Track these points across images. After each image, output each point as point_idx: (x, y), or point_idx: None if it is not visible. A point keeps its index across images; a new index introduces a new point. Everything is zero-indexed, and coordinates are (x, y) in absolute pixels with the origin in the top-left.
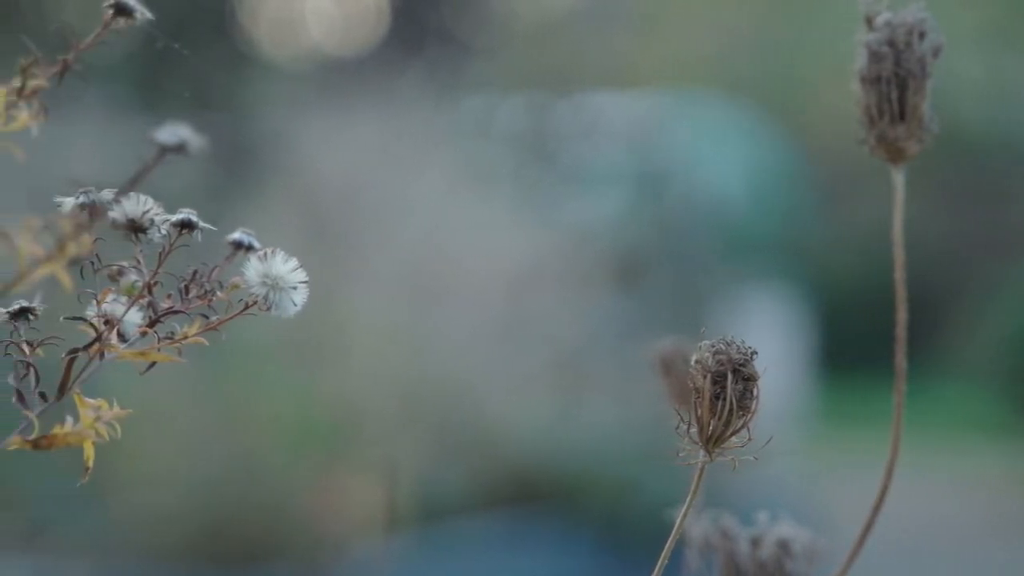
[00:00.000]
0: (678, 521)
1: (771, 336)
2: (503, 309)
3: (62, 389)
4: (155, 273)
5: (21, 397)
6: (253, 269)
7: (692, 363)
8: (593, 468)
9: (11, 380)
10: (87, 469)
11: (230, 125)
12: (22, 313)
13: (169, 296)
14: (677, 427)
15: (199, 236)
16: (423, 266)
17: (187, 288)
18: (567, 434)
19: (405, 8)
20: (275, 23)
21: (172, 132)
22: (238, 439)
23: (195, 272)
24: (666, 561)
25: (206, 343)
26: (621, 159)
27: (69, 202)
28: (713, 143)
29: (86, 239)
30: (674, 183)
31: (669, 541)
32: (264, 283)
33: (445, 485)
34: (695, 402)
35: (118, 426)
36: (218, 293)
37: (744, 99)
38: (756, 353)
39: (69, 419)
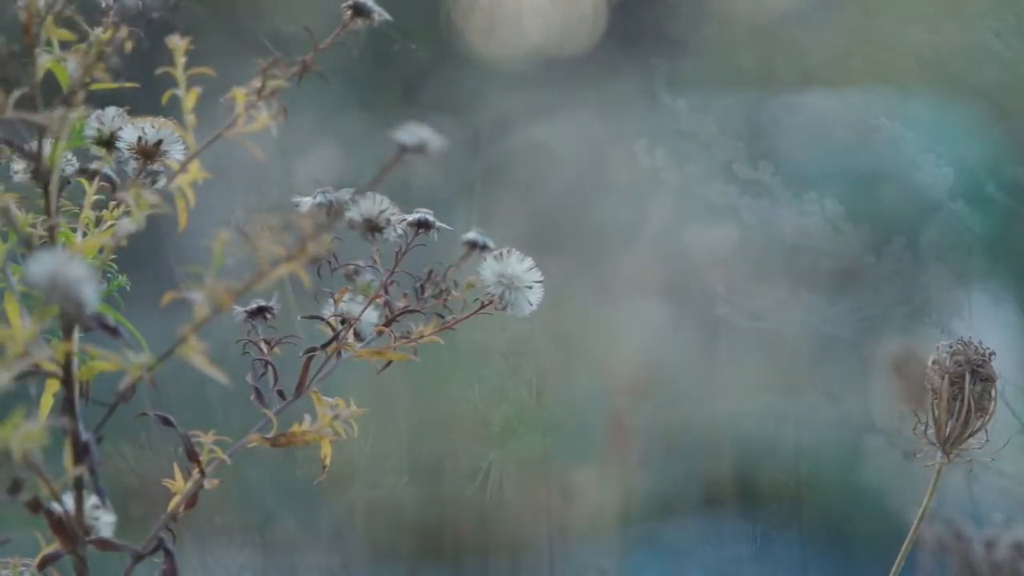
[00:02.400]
0: (916, 522)
1: (993, 337)
2: (722, 309)
3: (300, 387)
4: (392, 272)
5: (260, 395)
6: (489, 268)
7: (929, 364)
8: (815, 469)
9: (250, 378)
10: (325, 467)
11: (446, 125)
12: (260, 312)
13: (404, 295)
14: (914, 428)
15: (435, 236)
16: (641, 266)
17: (423, 287)
18: (788, 435)
19: (621, 6)
20: (491, 22)
21: (413, 132)
22: (460, 437)
23: (431, 271)
24: (902, 563)
25: (442, 342)
26: (838, 158)
27: (307, 201)
28: (933, 142)
29: (325, 238)
30: (892, 182)
31: (906, 542)
32: (500, 282)
33: (664, 485)
34: (932, 403)
35: (355, 424)
36: (453, 292)
37: (964, 97)
38: (994, 354)
39: (307, 417)
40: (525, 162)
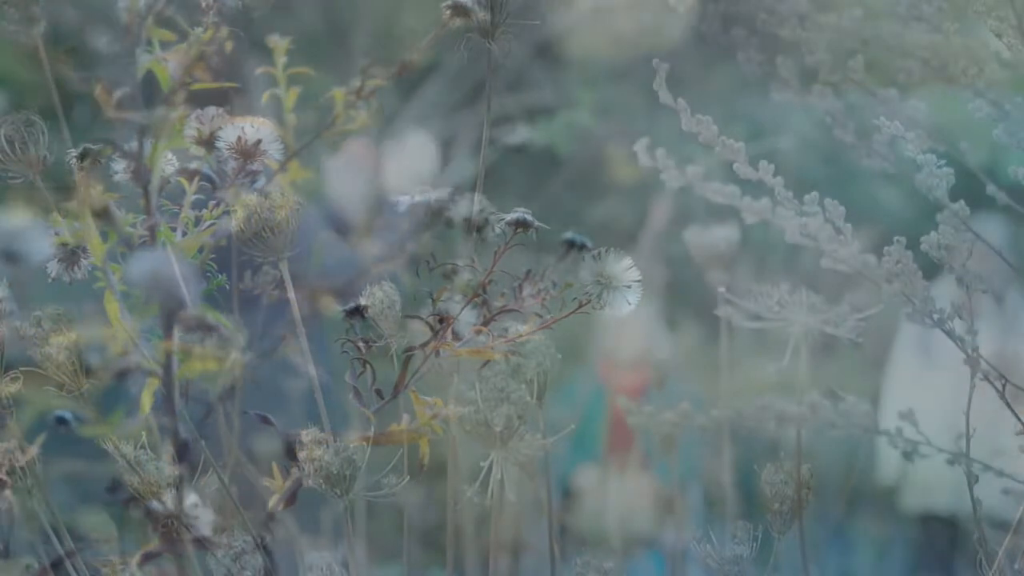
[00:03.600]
0: (1013, 527)
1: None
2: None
3: (398, 387)
4: (490, 272)
5: (358, 394)
6: (587, 268)
7: None
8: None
9: (348, 378)
10: (422, 466)
11: (537, 122)
12: (357, 311)
13: (503, 295)
14: (1017, 432)
15: (534, 235)
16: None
17: (521, 287)
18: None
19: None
20: (583, 18)
21: (514, 132)
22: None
23: (529, 271)
24: (997, 570)
25: (540, 339)
26: (935, 157)
27: (405, 200)
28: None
29: (424, 238)
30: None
31: (1002, 549)
32: (599, 282)
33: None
34: None
35: (451, 423)
36: (551, 292)
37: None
38: None
39: (405, 416)
40: (613, 159)
